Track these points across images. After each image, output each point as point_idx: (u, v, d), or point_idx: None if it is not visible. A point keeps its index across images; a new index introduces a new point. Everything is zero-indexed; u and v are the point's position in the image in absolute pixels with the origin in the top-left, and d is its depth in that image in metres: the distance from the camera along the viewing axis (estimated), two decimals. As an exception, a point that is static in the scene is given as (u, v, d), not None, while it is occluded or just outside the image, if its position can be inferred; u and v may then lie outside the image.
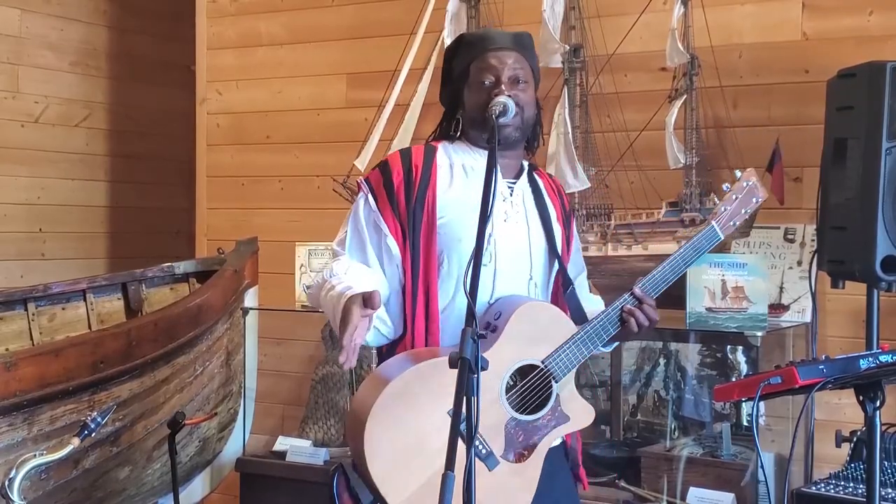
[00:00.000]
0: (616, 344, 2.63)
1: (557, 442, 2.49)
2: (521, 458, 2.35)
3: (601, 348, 2.52)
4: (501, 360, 2.32)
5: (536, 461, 2.36)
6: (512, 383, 2.37)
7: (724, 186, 2.66)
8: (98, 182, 5.86)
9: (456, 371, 2.11)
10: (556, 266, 2.55)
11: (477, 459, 2.27)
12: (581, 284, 2.67)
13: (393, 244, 2.45)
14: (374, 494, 2.26)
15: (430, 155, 2.50)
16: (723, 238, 2.62)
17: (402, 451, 2.24)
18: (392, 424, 2.24)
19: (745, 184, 2.67)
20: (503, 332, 2.35)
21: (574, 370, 2.41)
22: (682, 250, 2.53)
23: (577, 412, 2.43)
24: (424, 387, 2.27)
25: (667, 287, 2.52)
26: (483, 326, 2.38)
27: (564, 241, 2.59)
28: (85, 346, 3.55)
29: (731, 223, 2.63)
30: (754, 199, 2.67)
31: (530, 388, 2.38)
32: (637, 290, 2.46)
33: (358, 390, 2.45)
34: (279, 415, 4.91)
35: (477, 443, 2.29)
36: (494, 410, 2.33)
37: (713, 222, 2.60)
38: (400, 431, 2.25)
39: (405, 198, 2.44)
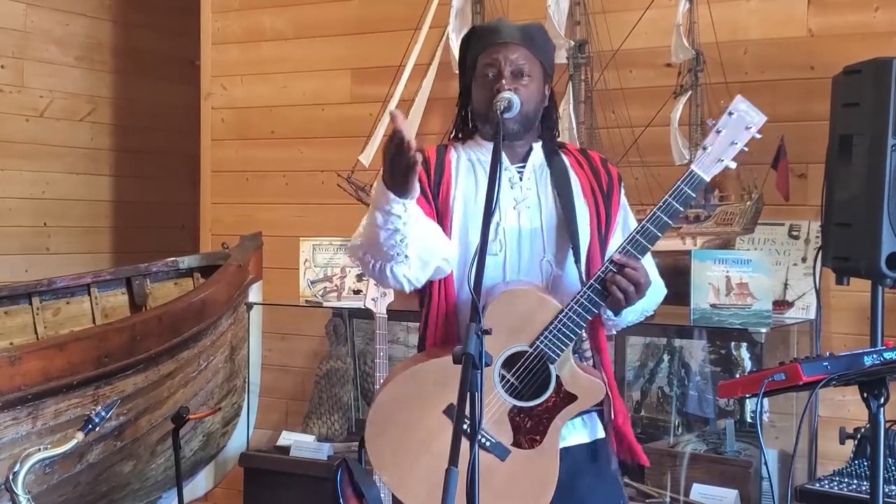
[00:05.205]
0: (630, 309, 2.42)
1: (584, 440, 2.48)
2: (533, 443, 2.36)
3: (613, 318, 2.45)
4: (488, 352, 2.27)
5: (552, 443, 2.36)
6: (504, 373, 2.36)
7: (708, 121, 2.41)
8: (102, 177, 5.86)
9: (449, 371, 2.19)
10: (580, 241, 2.46)
11: (486, 452, 2.32)
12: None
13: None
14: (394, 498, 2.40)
15: (441, 151, 2.56)
16: (707, 179, 2.39)
17: (404, 454, 2.35)
18: (388, 429, 2.37)
19: (730, 113, 2.36)
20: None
21: (569, 349, 2.35)
22: (662, 201, 2.39)
23: (584, 390, 2.38)
24: (418, 389, 2.36)
25: (653, 245, 2.38)
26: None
27: (595, 216, 2.52)
28: (89, 340, 3.56)
29: (719, 160, 2.37)
30: (747, 127, 2.36)
31: (527, 374, 2.36)
32: (616, 256, 2.34)
33: None
34: (283, 410, 4.91)
35: (480, 437, 2.31)
36: (493, 402, 2.35)
37: (693, 165, 2.38)
38: (395, 435, 2.36)
39: (427, 185, 2.48)
